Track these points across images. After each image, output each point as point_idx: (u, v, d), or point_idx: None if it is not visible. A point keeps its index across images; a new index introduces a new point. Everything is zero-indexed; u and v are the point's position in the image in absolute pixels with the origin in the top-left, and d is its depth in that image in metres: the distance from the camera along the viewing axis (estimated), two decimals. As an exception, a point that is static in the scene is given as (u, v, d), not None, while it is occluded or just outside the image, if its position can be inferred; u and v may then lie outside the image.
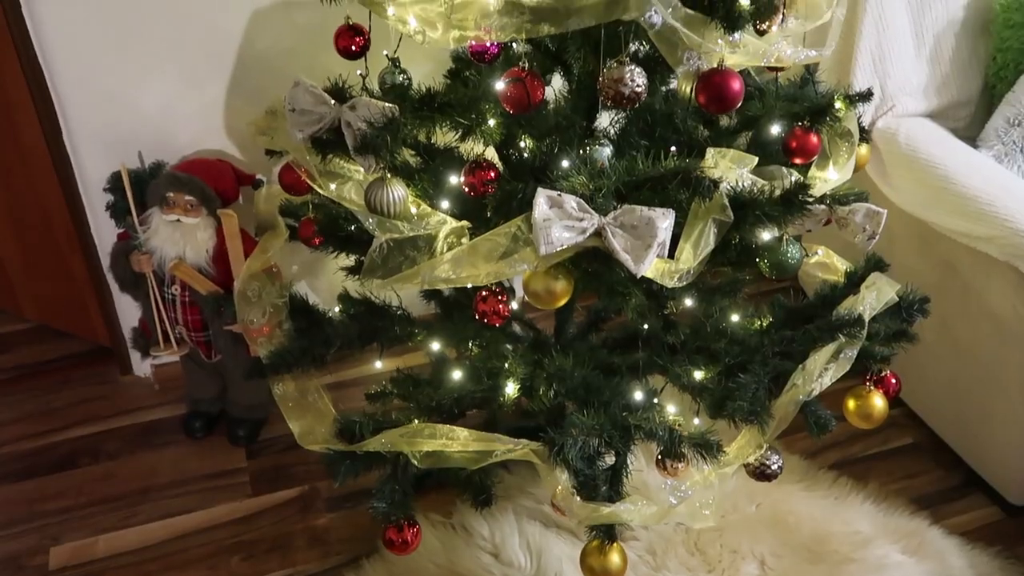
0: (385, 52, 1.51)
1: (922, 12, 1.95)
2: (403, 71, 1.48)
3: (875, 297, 1.50)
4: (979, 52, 2.01)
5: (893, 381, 1.52)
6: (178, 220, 1.75)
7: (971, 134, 2.01)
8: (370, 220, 1.31)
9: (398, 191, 1.30)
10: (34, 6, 1.70)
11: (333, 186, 1.48)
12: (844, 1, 1.38)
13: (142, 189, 1.79)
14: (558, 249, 1.15)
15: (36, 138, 1.87)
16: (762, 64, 1.28)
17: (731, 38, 1.15)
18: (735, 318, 1.57)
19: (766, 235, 1.35)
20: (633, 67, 1.14)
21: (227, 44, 1.86)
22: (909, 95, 1.98)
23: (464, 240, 1.33)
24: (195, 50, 1.84)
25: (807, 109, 1.39)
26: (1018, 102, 1.90)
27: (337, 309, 1.70)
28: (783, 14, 1.32)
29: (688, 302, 1.51)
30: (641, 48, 1.37)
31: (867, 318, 1.46)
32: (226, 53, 1.87)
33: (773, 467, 1.46)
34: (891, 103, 1.97)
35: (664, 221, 1.14)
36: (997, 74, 2.00)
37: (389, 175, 1.31)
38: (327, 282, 2.15)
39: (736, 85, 1.16)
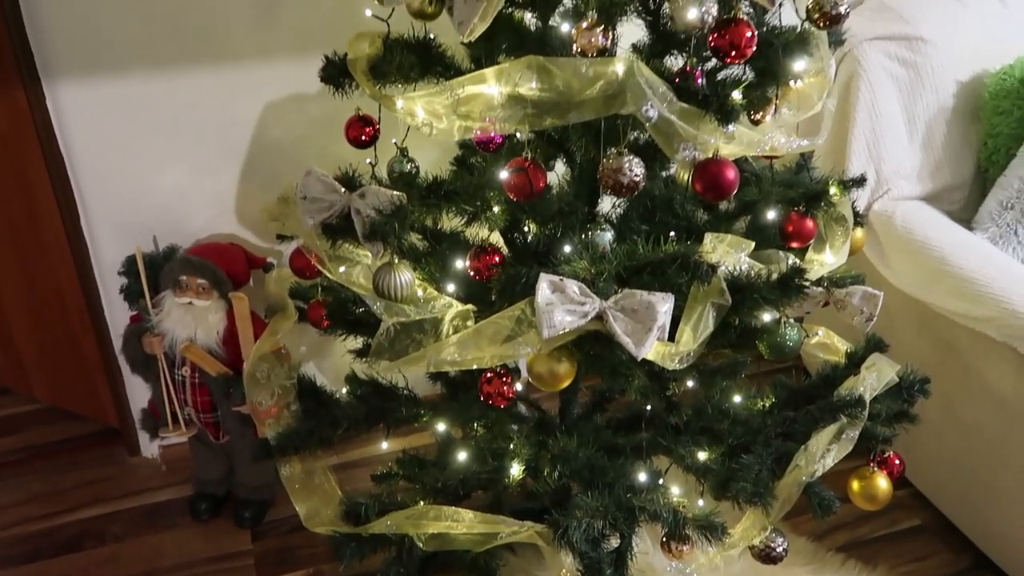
0: (394, 140, 1.56)
1: (913, 100, 2.01)
2: (411, 159, 1.53)
3: (875, 378, 1.52)
4: (970, 138, 2.07)
5: (897, 462, 1.53)
6: (190, 303, 1.79)
7: (966, 216, 2.05)
8: (378, 304, 1.34)
9: (405, 276, 1.34)
10: (58, 96, 1.78)
11: (342, 270, 1.52)
12: (834, 92, 1.44)
13: (156, 272, 1.84)
14: (560, 332, 1.18)
15: (54, 222, 1.93)
16: (756, 154, 1.32)
17: (725, 130, 1.20)
18: (737, 398, 1.59)
19: (766, 317, 1.38)
20: (631, 157, 1.19)
21: (242, 133, 1.93)
22: (904, 179, 2.04)
23: (469, 323, 1.36)
24: (211, 138, 1.91)
25: (802, 195, 1.44)
26: (1010, 186, 1.95)
27: (344, 390, 1.72)
28: (776, 105, 1.37)
29: (690, 383, 1.53)
30: (640, 136, 1.42)
31: (868, 399, 1.48)
32: (241, 141, 1.94)
33: (779, 549, 1.46)
34: (886, 187, 2.02)
35: (664, 305, 1.18)
36: (989, 159, 2.05)
37: (396, 260, 1.35)
38: (335, 363, 2.18)
39: (731, 174, 1.20)
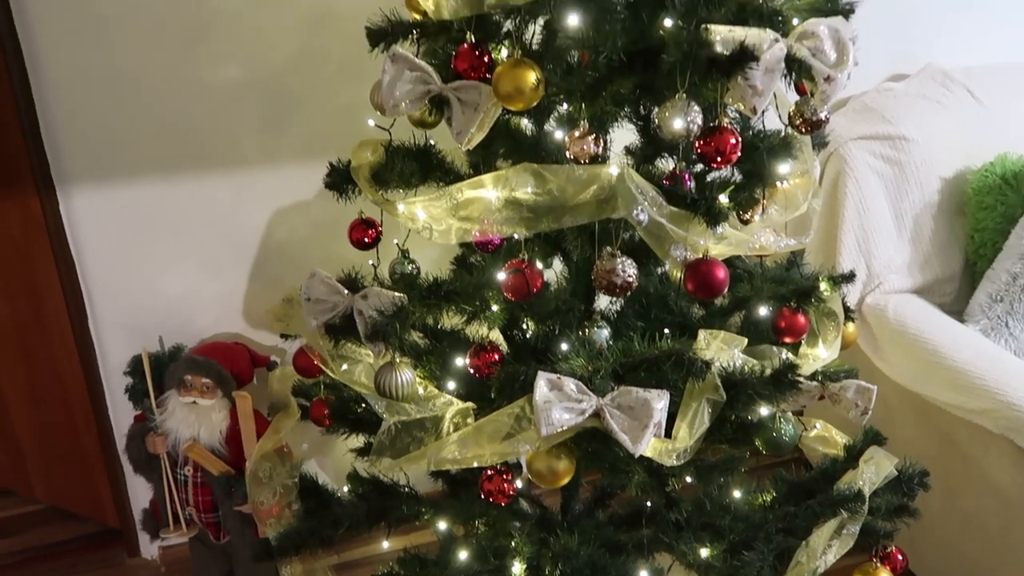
0: (395, 241, 1.61)
1: (900, 196, 2.08)
2: (412, 261, 1.58)
3: (874, 471, 1.52)
4: (957, 232, 2.13)
5: (899, 557, 1.52)
6: (194, 402, 1.81)
7: (957, 308, 2.09)
8: (379, 403, 1.36)
9: (406, 375, 1.36)
10: (70, 201, 1.84)
11: (344, 368, 1.54)
12: (820, 192, 1.49)
13: (161, 372, 1.87)
14: (559, 430, 1.20)
15: (62, 323, 1.96)
16: (746, 253, 1.37)
17: (714, 231, 1.24)
18: (737, 493, 1.59)
19: (762, 412, 1.40)
20: (624, 259, 1.23)
21: (248, 235, 1.99)
22: (894, 273, 2.08)
23: (469, 421, 1.38)
24: (218, 241, 1.97)
25: (793, 291, 1.47)
26: (998, 279, 1.99)
27: (346, 488, 1.72)
28: (763, 205, 1.42)
29: (689, 479, 1.54)
30: (634, 235, 1.47)
31: (867, 493, 1.48)
32: (246, 243, 2.00)
33: (783, 647, 1.44)
34: (878, 280, 2.07)
35: (659, 402, 1.20)
36: (976, 252, 2.10)
37: (398, 360, 1.38)
38: (336, 460, 2.18)
39: (721, 274, 1.24)
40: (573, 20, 1.24)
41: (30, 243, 1.90)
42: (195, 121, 1.85)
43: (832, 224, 2.06)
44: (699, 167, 1.38)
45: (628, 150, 1.54)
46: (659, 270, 1.58)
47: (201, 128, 1.86)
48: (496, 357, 1.41)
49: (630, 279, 1.23)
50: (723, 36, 1.18)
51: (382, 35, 1.35)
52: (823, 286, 1.50)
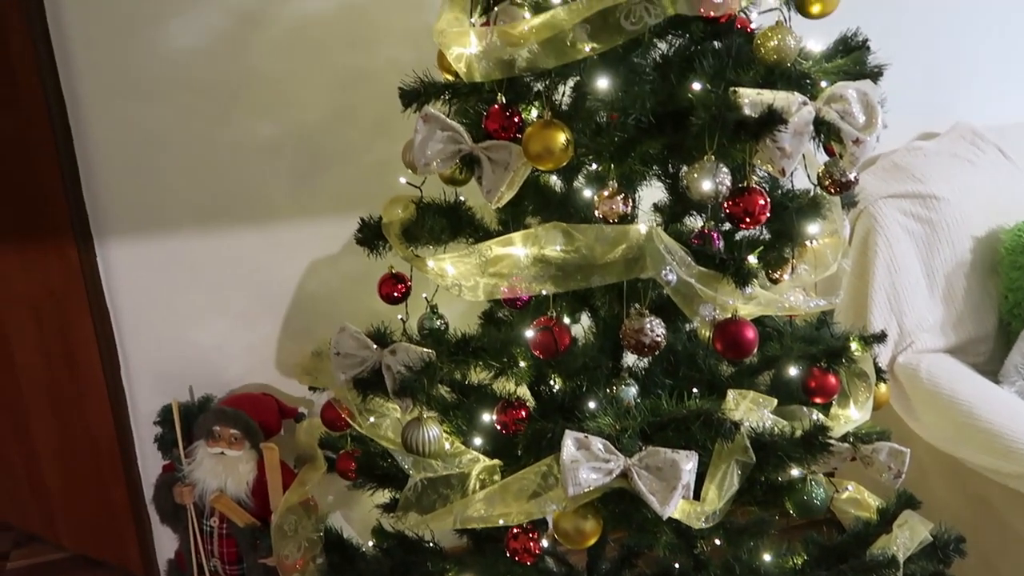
0: (424, 295, 1.63)
1: (931, 254, 2.06)
2: (440, 316, 1.59)
3: (908, 536, 1.49)
4: (990, 291, 2.10)
5: (935, 625, 1.48)
6: (222, 453, 1.82)
7: (992, 369, 2.06)
8: (406, 459, 1.36)
9: (433, 431, 1.36)
10: (108, 253, 1.88)
11: (371, 421, 1.55)
12: (850, 252, 1.48)
13: (190, 422, 1.88)
14: (586, 490, 1.19)
15: (95, 372, 1.99)
16: (775, 313, 1.36)
17: (743, 292, 1.24)
18: (767, 557, 1.56)
19: (793, 473, 1.38)
20: (652, 318, 1.23)
21: (279, 287, 2.02)
22: (927, 332, 2.05)
23: (496, 478, 1.37)
24: (250, 293, 1.99)
25: (824, 351, 1.46)
26: (1034, 339, 1.96)
27: (371, 543, 1.72)
28: (793, 265, 1.42)
29: (718, 541, 1.51)
30: (662, 292, 1.47)
31: (902, 559, 1.45)
32: (278, 295, 2.02)
33: None
34: (909, 340, 2.04)
35: (688, 463, 1.19)
36: (1011, 312, 2.07)
37: (425, 416, 1.38)
38: (362, 513, 2.17)
39: (750, 335, 1.24)
40: (602, 83, 1.26)
41: (67, 294, 1.93)
42: (231, 177, 1.89)
43: (863, 282, 2.04)
44: (728, 225, 1.38)
45: (657, 207, 1.56)
46: (687, 326, 1.57)
47: (236, 183, 1.90)
48: (523, 414, 1.41)
49: (658, 339, 1.23)
50: (751, 99, 1.19)
51: (415, 96, 1.38)
52: (854, 346, 1.49)
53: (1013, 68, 2.33)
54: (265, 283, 2.00)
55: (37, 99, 1.75)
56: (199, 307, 1.97)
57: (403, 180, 1.50)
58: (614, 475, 1.20)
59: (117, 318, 1.94)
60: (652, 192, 1.48)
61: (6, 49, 1.72)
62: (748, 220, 1.21)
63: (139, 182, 1.85)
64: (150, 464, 2.05)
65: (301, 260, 2.00)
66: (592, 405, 1.38)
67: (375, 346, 1.48)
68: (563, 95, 1.39)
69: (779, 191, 1.43)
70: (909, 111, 2.25)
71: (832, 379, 1.43)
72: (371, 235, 1.53)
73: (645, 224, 1.29)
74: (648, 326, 1.22)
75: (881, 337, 1.55)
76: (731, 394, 1.37)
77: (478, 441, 1.48)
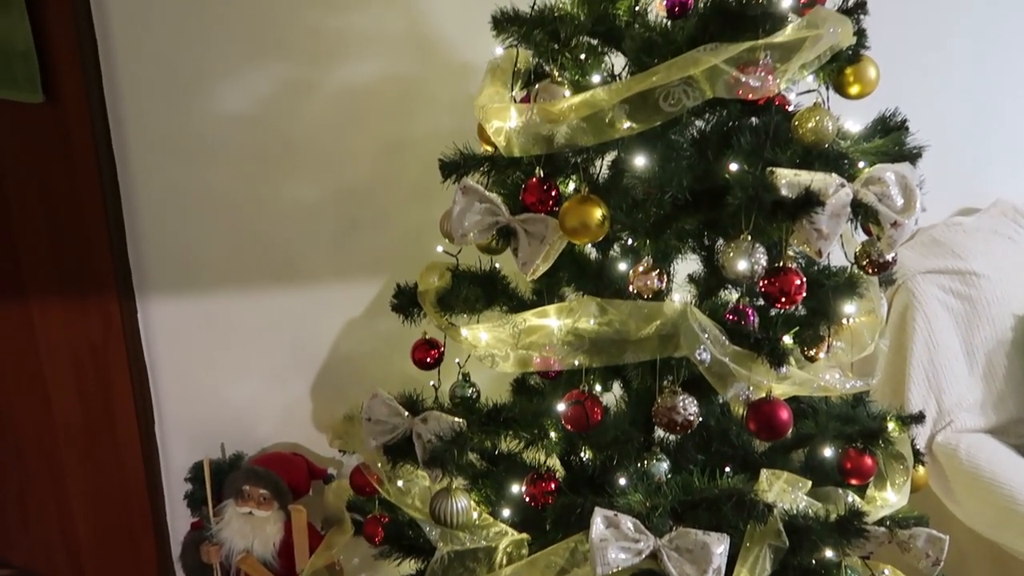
0: (457, 360, 1.63)
1: (971, 332, 2.03)
2: (472, 384, 1.59)
3: (946, 624, 1.45)
4: (1033, 371, 2.06)
5: None
6: (250, 512, 1.82)
7: (1035, 450, 2.01)
8: (434, 530, 1.36)
9: (461, 502, 1.36)
10: (148, 309, 1.92)
11: (400, 484, 1.54)
12: (887, 332, 1.47)
13: (220, 479, 1.89)
14: (614, 570, 1.18)
15: (130, 425, 2.01)
16: (810, 393, 1.34)
17: (778, 372, 1.23)
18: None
19: (827, 555, 1.35)
20: (685, 396, 1.22)
21: (314, 347, 2.03)
22: (966, 411, 2.01)
23: (524, 553, 1.36)
24: (285, 352, 2.01)
25: (860, 431, 1.44)
26: (1078, 422, 1.91)
27: (396, 611, 1.70)
28: (829, 343, 1.40)
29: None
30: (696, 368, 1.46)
31: (938, 648, 1.40)
32: (312, 355, 2.04)
33: None
34: (948, 419, 2.00)
35: (719, 547, 1.17)
36: (1054, 392, 2.03)
37: (454, 486, 1.37)
38: (387, 577, 2.16)
39: (784, 415, 1.22)
40: (640, 160, 1.28)
41: (108, 348, 1.97)
42: (272, 237, 1.92)
43: (900, 358, 2.01)
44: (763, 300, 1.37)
45: (692, 278, 1.55)
46: (720, 400, 1.55)
47: (277, 243, 1.93)
48: (552, 486, 1.39)
49: (691, 417, 1.22)
50: (789, 180, 1.20)
51: (454, 167, 1.41)
52: (891, 426, 1.47)
53: (1054, 145, 2.32)
54: (300, 343, 2.01)
55: (88, 155, 1.80)
56: (234, 364, 1.99)
57: (440, 248, 1.52)
58: (643, 556, 1.18)
59: (154, 373, 1.96)
60: (688, 263, 1.48)
61: (61, 105, 1.78)
62: (784, 300, 1.21)
63: (182, 240, 1.89)
64: (179, 521, 2.05)
65: (336, 321, 2.01)
66: (623, 481, 1.37)
67: (406, 413, 1.49)
68: (600, 169, 1.40)
69: (815, 267, 1.42)
70: (949, 186, 2.24)
71: (868, 460, 1.41)
72: (406, 302, 1.54)
73: (680, 300, 1.29)
74: (681, 404, 1.22)
75: (919, 418, 1.52)
76: (764, 474, 1.35)
77: (506, 512, 1.47)
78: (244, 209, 1.90)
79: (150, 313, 1.92)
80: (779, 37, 1.17)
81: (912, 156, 1.33)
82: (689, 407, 1.22)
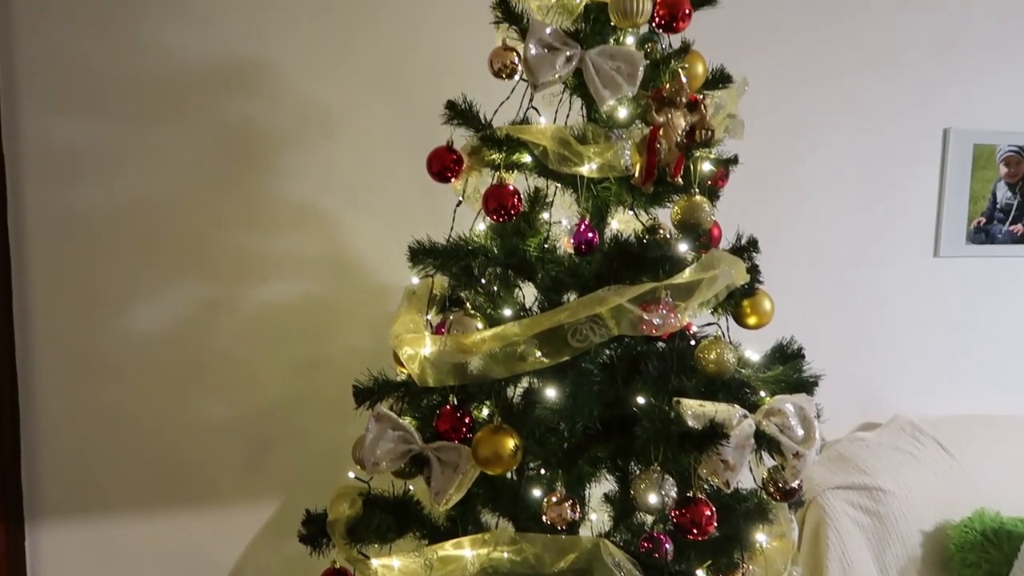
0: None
1: (883, 549, 2.04)
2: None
3: None
4: (943, 589, 2.08)
5: None
6: None
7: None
8: None
9: None
10: (38, 538, 1.81)
11: None
12: (799, 558, 1.47)
13: None
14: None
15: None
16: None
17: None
18: None
19: None
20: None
21: (219, 573, 1.92)
22: (886, 630, 2.00)
23: None
24: (183, 580, 1.90)
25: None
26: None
27: None
28: (743, 570, 1.40)
29: None
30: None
31: None
32: (213, 583, 1.93)
33: None
34: (868, 639, 1.98)
35: None
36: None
37: None
38: None
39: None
40: (551, 392, 1.30)
41: (-12, 579, 1.83)
42: (179, 457, 1.86)
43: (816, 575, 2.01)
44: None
45: (607, 498, 1.55)
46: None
47: (184, 464, 1.87)
48: None
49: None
50: (694, 410, 1.23)
51: (368, 394, 1.41)
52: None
53: (946, 361, 2.43)
54: (204, 570, 1.90)
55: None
56: (127, 595, 1.87)
57: (352, 475, 1.49)
58: None
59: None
60: (603, 484, 1.49)
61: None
62: (696, 531, 1.21)
63: (82, 462, 1.81)
64: None
65: (242, 543, 1.92)
66: None
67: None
68: (514, 395, 1.42)
69: (726, 493, 1.44)
70: (849, 401, 2.33)
71: None
72: (315, 531, 1.48)
73: (595, 533, 1.28)
74: (597, 644, 1.18)
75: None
76: None
77: None
78: (151, 428, 1.84)
79: (39, 540, 1.80)
80: (678, 279, 1.24)
81: (809, 385, 1.40)
82: (605, 647, 1.18)
